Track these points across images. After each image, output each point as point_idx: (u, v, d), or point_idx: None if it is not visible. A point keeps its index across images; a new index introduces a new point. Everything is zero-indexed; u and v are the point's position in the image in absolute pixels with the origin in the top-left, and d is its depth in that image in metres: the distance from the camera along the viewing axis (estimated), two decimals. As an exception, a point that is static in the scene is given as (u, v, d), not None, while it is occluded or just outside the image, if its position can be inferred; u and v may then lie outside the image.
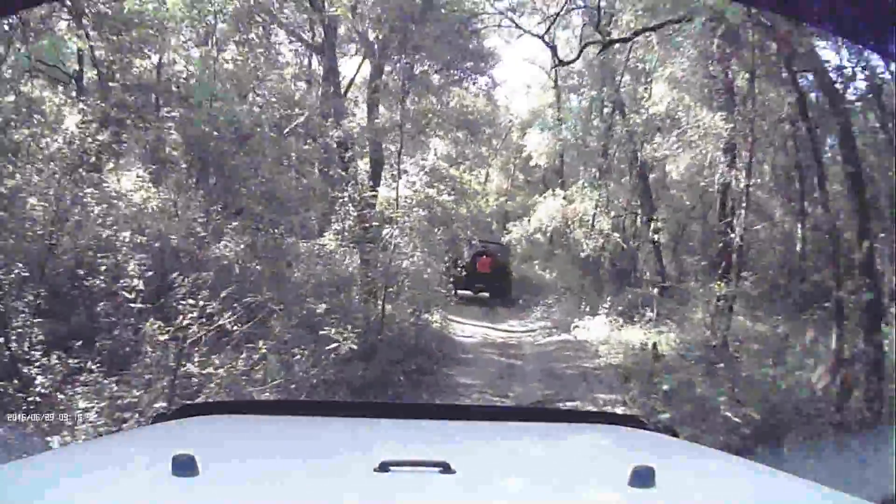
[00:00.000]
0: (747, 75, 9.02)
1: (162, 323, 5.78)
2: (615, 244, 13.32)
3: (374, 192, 10.34)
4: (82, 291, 6.46)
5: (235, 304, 6.26)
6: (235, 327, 6.14)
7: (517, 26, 14.47)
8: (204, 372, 5.74)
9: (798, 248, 9.85)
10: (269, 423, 1.83)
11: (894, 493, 2.31)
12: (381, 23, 11.06)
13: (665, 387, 7.64)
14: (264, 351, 6.13)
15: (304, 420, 1.88)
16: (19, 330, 5.68)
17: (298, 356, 6.58)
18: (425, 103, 11.13)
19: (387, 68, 11.83)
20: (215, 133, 8.30)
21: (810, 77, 8.54)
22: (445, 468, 1.23)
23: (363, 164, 11.36)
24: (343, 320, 7.16)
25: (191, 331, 5.69)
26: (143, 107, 8.59)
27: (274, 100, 10.46)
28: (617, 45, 12.63)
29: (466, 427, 1.84)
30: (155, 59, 9.27)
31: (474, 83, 14.45)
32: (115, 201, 7.61)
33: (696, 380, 7.71)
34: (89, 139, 7.21)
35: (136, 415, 5.16)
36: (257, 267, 7.97)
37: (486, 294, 15.94)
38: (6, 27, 6.90)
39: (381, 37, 11.36)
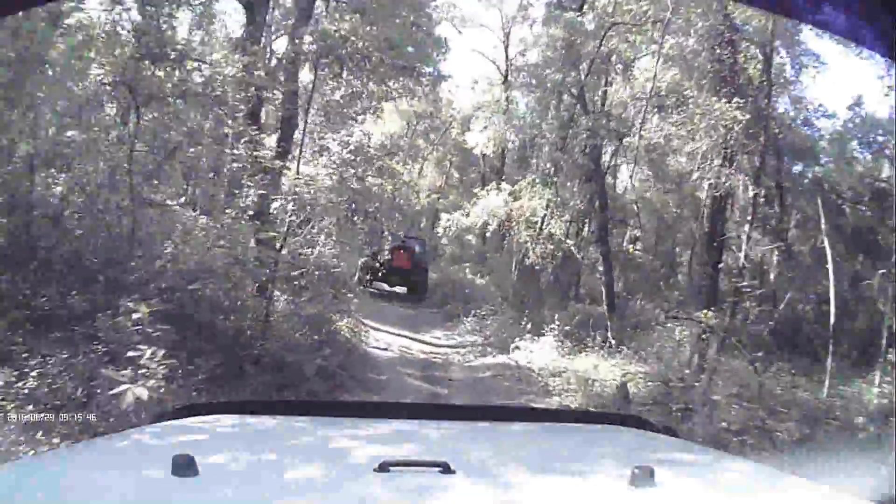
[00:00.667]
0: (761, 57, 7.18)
1: None
2: (566, 252, 11.39)
3: (282, 165, 8.16)
4: None
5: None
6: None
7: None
8: None
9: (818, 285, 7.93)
10: (269, 423, 1.80)
11: (894, 494, 2.03)
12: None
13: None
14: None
15: (304, 420, 1.83)
16: None
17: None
18: (346, 26, 8.41)
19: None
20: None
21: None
22: (445, 468, 1.25)
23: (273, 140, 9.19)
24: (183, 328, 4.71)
25: None
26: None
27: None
28: (585, 35, 11.41)
29: (466, 427, 1.83)
30: None
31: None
32: None
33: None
34: None
35: None
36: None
37: (403, 289, 14.88)
38: None
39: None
